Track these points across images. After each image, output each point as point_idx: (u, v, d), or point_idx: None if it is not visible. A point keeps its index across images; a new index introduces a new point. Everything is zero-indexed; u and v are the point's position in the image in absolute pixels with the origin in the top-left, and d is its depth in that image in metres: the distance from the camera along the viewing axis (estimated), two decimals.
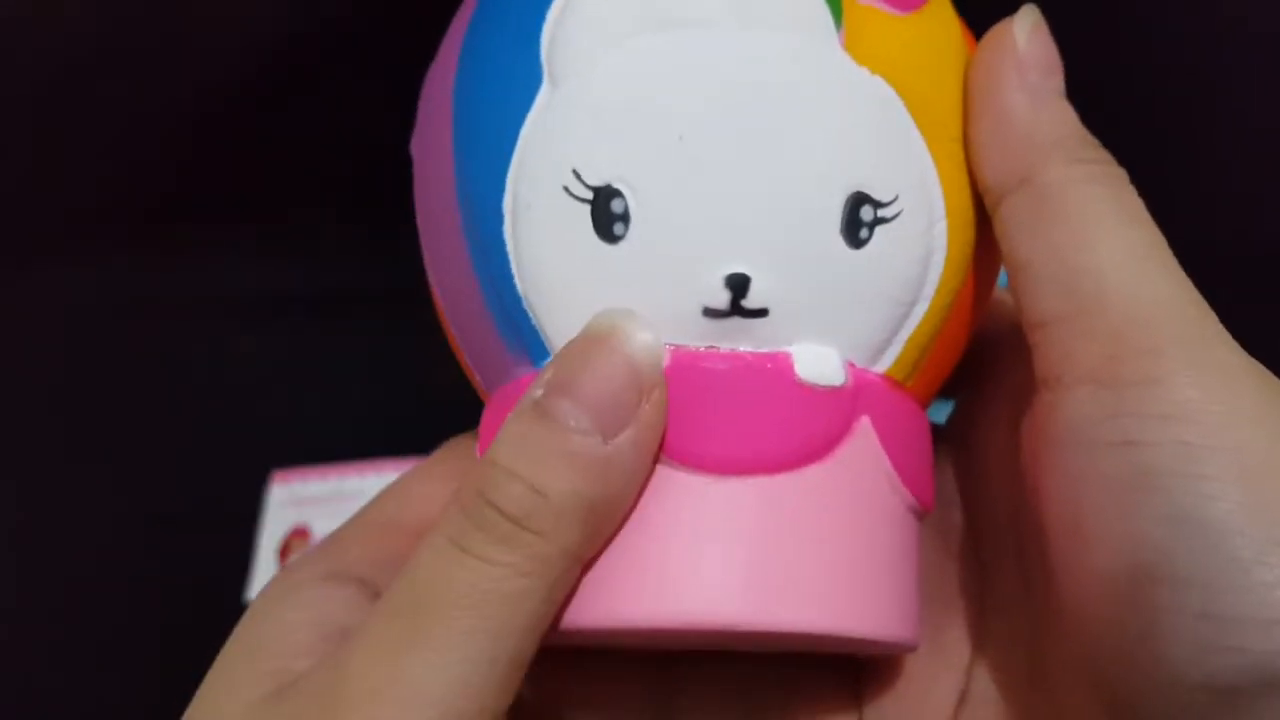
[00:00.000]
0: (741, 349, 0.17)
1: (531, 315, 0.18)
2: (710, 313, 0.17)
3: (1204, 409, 0.16)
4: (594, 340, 0.17)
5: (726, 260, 0.17)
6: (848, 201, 0.17)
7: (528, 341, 0.18)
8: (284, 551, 0.42)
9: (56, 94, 0.41)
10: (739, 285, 0.17)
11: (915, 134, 0.18)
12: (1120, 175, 0.18)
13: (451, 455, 0.22)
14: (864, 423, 0.17)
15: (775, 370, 0.17)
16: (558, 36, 0.18)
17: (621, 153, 0.17)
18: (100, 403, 0.43)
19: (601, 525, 0.16)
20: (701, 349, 0.17)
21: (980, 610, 0.21)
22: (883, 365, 0.18)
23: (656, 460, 0.17)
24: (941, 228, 0.18)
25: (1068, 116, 0.18)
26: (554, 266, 0.17)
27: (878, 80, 0.17)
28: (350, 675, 0.16)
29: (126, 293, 0.44)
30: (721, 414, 0.17)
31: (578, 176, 0.17)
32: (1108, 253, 0.17)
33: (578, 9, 0.18)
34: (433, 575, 0.16)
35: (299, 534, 0.42)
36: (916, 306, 0.18)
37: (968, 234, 0.18)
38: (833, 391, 0.17)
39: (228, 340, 0.44)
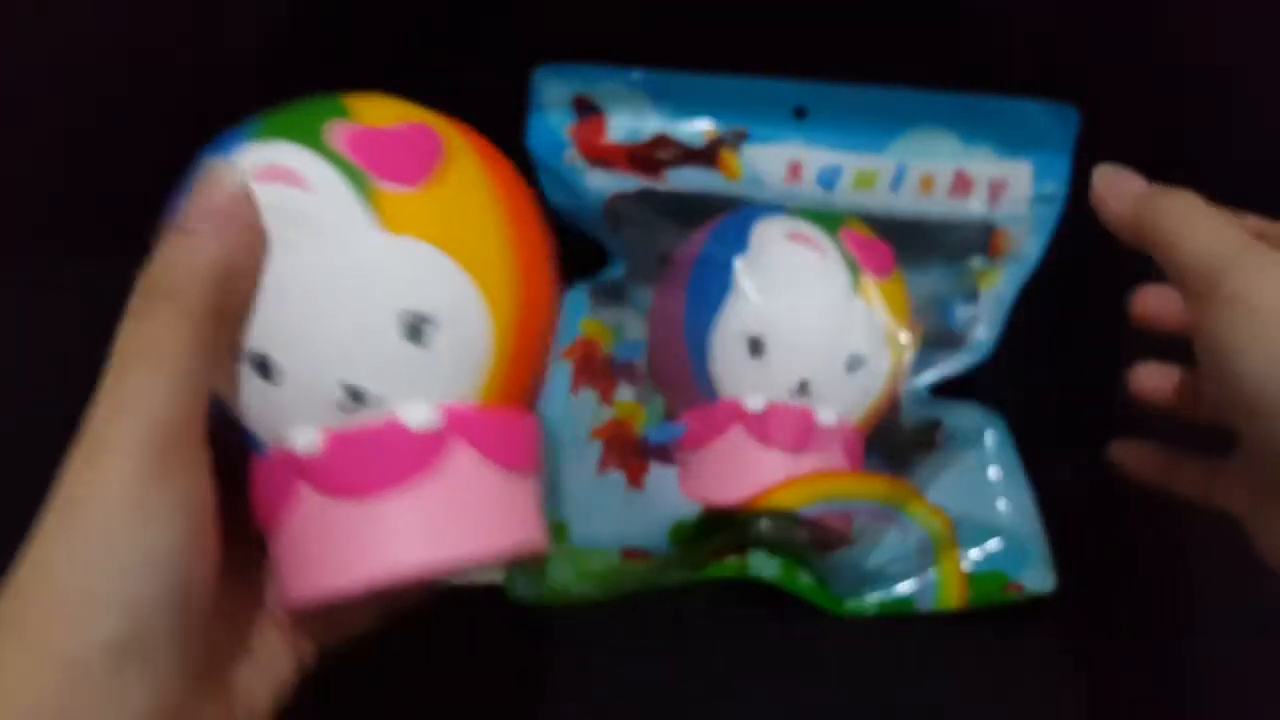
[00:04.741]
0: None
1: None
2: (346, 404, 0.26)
3: None
4: (200, 182, 0.25)
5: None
6: (403, 320, 0.26)
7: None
8: None
9: (54, 93, 0.41)
10: (356, 394, 0.26)
11: (448, 262, 0.26)
12: None
13: None
14: (459, 443, 0.26)
15: (391, 429, 0.26)
16: None
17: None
18: None
19: (233, 284, 0.24)
20: (351, 425, 0.26)
21: None
22: (475, 398, 0.27)
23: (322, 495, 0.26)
24: (486, 319, 0.27)
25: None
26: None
27: (406, 239, 0.26)
28: (90, 418, 0.23)
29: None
30: (360, 461, 0.26)
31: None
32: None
33: None
34: (122, 339, 0.23)
35: None
36: (481, 363, 0.27)
37: (509, 316, 0.27)
38: (432, 432, 0.26)
39: None
